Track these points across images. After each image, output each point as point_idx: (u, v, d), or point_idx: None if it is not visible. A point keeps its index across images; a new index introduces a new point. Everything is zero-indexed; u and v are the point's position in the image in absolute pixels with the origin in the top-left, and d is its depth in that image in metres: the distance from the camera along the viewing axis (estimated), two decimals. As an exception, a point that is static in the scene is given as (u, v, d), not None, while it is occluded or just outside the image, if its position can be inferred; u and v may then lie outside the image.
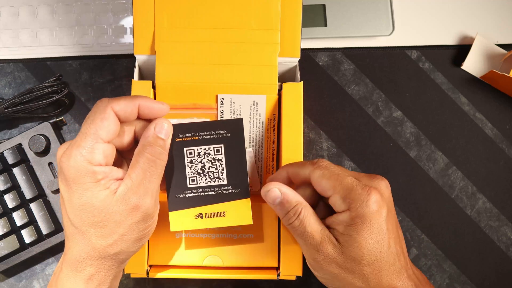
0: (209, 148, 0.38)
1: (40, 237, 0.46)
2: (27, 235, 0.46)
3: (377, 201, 0.34)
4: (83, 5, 0.52)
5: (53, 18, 0.52)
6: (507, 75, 0.48)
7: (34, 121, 0.50)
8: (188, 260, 0.42)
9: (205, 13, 0.42)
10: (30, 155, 0.47)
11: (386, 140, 0.51)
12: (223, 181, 0.39)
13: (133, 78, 0.43)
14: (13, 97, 0.48)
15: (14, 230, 0.46)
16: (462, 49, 0.52)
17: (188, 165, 0.38)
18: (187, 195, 0.38)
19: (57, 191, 0.47)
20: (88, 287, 0.35)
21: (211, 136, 0.38)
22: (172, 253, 0.42)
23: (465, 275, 0.49)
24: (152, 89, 0.42)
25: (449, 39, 0.53)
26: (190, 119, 0.42)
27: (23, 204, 0.46)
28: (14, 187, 0.46)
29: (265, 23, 0.42)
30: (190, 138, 0.38)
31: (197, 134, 0.38)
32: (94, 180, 0.33)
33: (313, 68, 0.52)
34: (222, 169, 0.39)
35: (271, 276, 0.41)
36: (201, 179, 0.39)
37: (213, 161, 0.38)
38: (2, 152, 0.47)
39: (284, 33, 0.42)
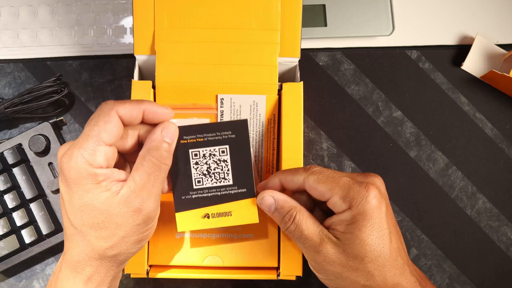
0: (214, 149, 0.38)
1: (40, 237, 0.46)
2: (27, 235, 0.46)
3: (376, 196, 0.35)
4: (83, 5, 0.52)
5: (53, 18, 0.52)
6: (507, 75, 0.48)
7: (34, 121, 0.50)
8: (188, 260, 0.42)
9: (205, 13, 0.42)
10: (30, 155, 0.47)
11: (386, 140, 0.51)
12: (229, 181, 0.39)
13: (133, 78, 0.42)
14: (13, 97, 0.48)
15: (14, 230, 0.46)
16: (462, 49, 0.52)
17: (193, 167, 0.38)
18: (193, 196, 0.39)
19: (57, 191, 0.47)
20: None
21: (216, 138, 0.38)
22: (172, 253, 0.42)
23: (465, 275, 0.49)
24: (152, 89, 0.42)
25: (449, 39, 0.53)
26: (190, 119, 0.42)
27: (23, 204, 0.46)
28: (14, 187, 0.46)
29: (265, 23, 0.42)
30: (195, 140, 0.38)
31: (201, 135, 0.38)
32: (95, 182, 0.33)
33: (313, 68, 0.52)
34: (228, 170, 0.39)
35: (271, 276, 0.41)
36: (207, 180, 0.39)
37: (218, 162, 0.38)
38: (2, 152, 0.47)
39: (284, 33, 0.42)
